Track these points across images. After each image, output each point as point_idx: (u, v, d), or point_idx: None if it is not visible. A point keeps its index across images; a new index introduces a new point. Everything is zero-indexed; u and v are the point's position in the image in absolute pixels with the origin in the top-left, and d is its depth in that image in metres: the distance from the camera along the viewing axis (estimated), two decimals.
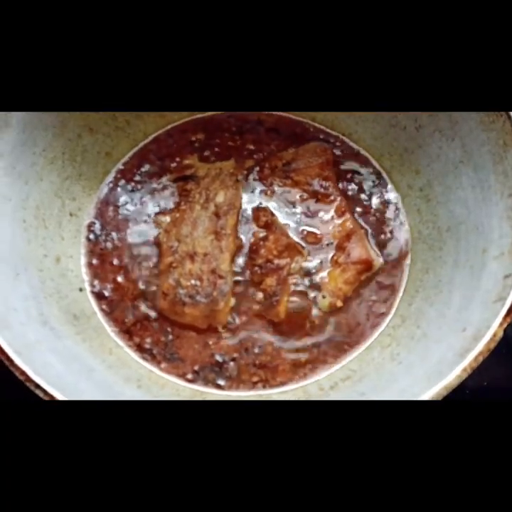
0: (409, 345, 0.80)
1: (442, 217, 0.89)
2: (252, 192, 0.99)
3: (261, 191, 0.99)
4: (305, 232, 0.95)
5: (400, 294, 0.90)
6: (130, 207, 0.98)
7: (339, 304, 0.89)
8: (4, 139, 0.83)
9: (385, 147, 0.99)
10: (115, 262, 0.93)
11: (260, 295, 0.91)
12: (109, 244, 0.95)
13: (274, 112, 1.06)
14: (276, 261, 0.92)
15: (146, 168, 1.02)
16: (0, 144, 0.82)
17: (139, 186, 0.99)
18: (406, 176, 0.97)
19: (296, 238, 0.95)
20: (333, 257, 0.93)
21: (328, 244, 0.94)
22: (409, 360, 0.78)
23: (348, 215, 0.96)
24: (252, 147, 1.04)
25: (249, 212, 0.97)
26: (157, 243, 0.95)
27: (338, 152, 1.03)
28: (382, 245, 0.96)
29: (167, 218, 0.96)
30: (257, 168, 1.01)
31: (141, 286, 0.92)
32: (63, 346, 0.78)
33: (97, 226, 0.96)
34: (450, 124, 0.88)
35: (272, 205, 0.98)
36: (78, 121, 0.94)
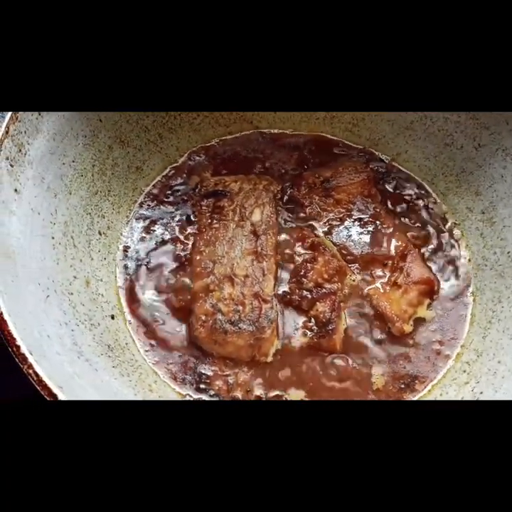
0: (493, 383, 0.71)
1: None
2: (290, 210, 0.91)
3: (301, 209, 0.91)
4: (355, 253, 0.87)
5: (467, 326, 0.82)
6: (161, 228, 0.89)
7: (408, 328, 0.80)
8: (34, 146, 0.74)
9: (439, 168, 0.93)
10: (151, 290, 0.83)
11: (311, 322, 0.82)
12: (143, 270, 0.85)
13: (311, 133, 1.00)
14: (327, 285, 0.83)
15: (176, 185, 0.93)
16: (30, 151, 0.73)
17: (169, 206, 0.91)
18: (464, 198, 0.90)
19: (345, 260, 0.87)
20: (390, 278, 0.84)
21: (384, 265, 0.86)
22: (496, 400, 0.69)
23: (398, 234, 0.88)
24: (286, 166, 0.97)
25: (288, 230, 0.89)
26: (189, 265, 0.85)
27: (379, 169, 0.96)
28: (438, 268, 0.88)
29: (198, 237, 0.87)
30: (293, 185, 0.93)
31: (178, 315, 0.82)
32: (101, 381, 0.67)
33: (131, 251, 0.86)
34: None
35: (314, 224, 0.90)
36: (109, 132, 0.86)
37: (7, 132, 0.70)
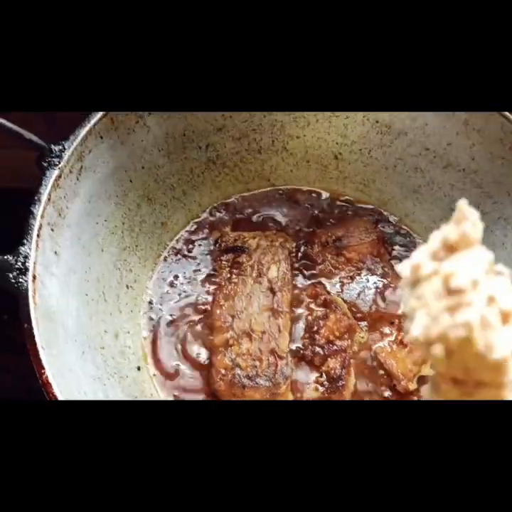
0: None
1: None
2: (304, 266, 0.97)
3: (314, 267, 0.97)
4: (364, 311, 0.93)
5: None
6: (183, 281, 0.95)
7: (412, 386, 0.86)
8: (72, 209, 0.81)
9: None
10: (173, 341, 0.90)
11: (323, 378, 0.87)
12: (166, 322, 0.91)
13: (324, 191, 1.06)
14: (338, 342, 0.89)
15: (198, 240, 1.00)
16: (69, 214, 0.80)
17: (191, 260, 0.97)
18: None
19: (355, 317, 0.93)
20: (397, 336, 0.90)
21: (391, 323, 0.92)
22: None
23: None
24: (301, 223, 1.03)
25: (301, 287, 0.95)
26: (209, 318, 0.91)
27: (388, 229, 1.03)
28: None
29: (218, 291, 0.93)
30: (307, 243, 1.00)
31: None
32: None
33: (155, 304, 0.92)
34: None
35: (326, 281, 0.96)
36: (139, 191, 0.93)
37: (49, 199, 0.76)
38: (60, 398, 0.63)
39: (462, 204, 0.42)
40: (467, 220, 0.41)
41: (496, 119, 0.88)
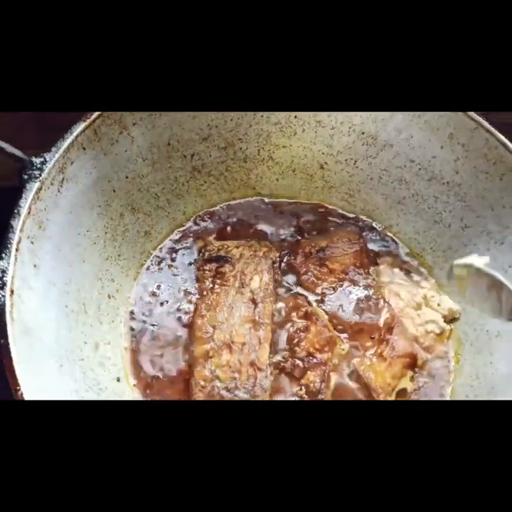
0: None
1: (491, 320, 0.88)
2: (287, 277, 0.98)
3: (297, 277, 0.98)
4: (345, 323, 0.93)
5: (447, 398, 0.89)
6: (166, 290, 0.95)
7: (390, 399, 0.87)
8: (53, 221, 0.80)
9: (427, 242, 1.00)
10: (154, 351, 0.90)
11: (302, 391, 0.88)
12: (148, 332, 0.91)
13: (309, 201, 1.06)
14: (318, 355, 0.89)
15: (181, 249, 1.00)
16: (49, 226, 0.80)
17: (174, 269, 0.97)
18: None
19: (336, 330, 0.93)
20: (377, 349, 0.91)
21: (371, 337, 0.92)
22: None
23: (387, 306, 0.95)
24: (284, 232, 1.03)
25: (284, 298, 0.95)
26: (190, 328, 0.92)
27: (372, 239, 1.03)
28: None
29: (200, 301, 0.94)
30: (291, 253, 1.00)
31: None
32: None
33: (137, 313, 0.93)
34: (500, 228, 0.89)
35: (308, 293, 0.96)
36: (122, 201, 0.93)
37: (29, 212, 0.76)
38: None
39: None
40: None
41: (480, 134, 0.88)
